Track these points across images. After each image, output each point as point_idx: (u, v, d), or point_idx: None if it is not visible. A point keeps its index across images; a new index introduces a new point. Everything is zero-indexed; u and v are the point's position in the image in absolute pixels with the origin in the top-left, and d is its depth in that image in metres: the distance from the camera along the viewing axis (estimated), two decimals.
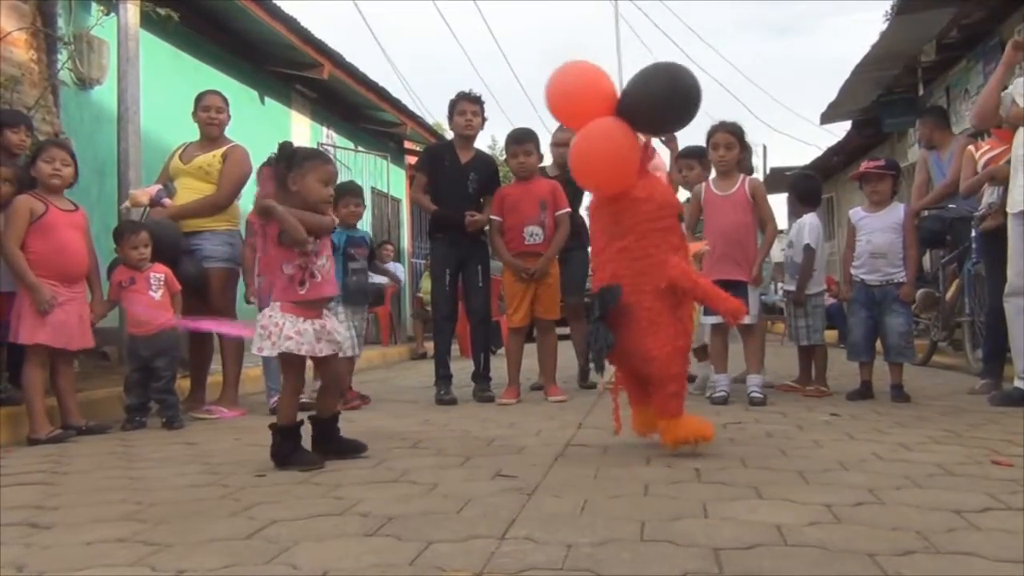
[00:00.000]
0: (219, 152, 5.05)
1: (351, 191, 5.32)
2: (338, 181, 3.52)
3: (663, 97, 3.07)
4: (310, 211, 3.13)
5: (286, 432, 3.10)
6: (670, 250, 3.10)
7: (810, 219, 5.38)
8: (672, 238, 3.15)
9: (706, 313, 4.97)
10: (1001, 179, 4.79)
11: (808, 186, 5.84)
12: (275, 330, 3.04)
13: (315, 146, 11.48)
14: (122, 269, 4.55)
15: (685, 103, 3.09)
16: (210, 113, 5.10)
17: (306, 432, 3.20)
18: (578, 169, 3.26)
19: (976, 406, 4.50)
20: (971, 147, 5.49)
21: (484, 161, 5.64)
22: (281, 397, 3.23)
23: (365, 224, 8.19)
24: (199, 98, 5.18)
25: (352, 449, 3.24)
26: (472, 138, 5.55)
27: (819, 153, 16.50)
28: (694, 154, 5.51)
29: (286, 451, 3.07)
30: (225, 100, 5.20)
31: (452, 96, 5.54)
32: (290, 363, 3.16)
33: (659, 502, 2.35)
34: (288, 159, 3.16)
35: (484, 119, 5.56)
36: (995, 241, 4.90)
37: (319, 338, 3.13)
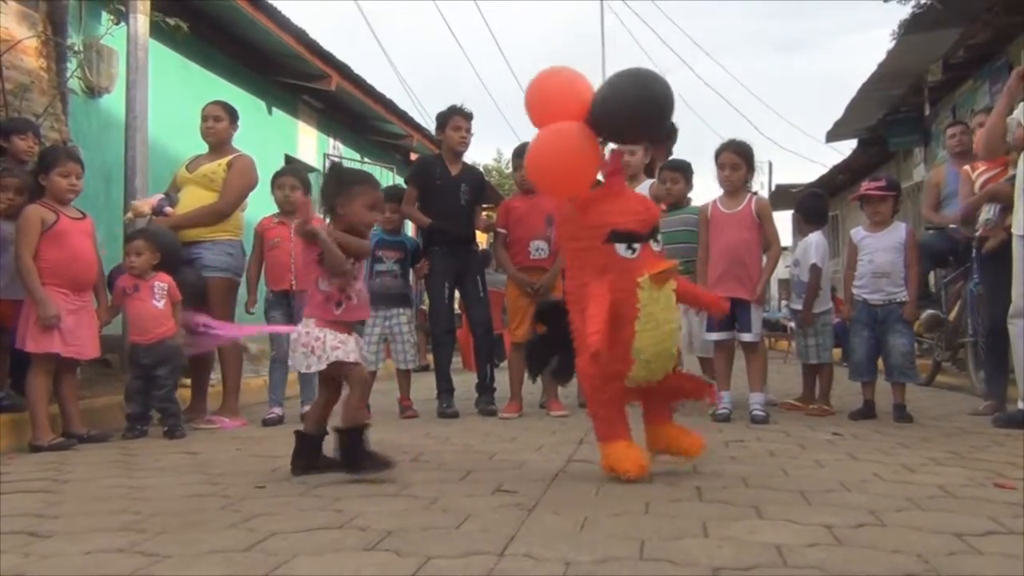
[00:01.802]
0: (224, 161, 5.08)
1: (386, 197, 5.42)
2: None
3: (633, 105, 2.97)
4: (353, 234, 3.12)
5: (315, 441, 3.08)
6: (593, 272, 2.96)
7: (816, 238, 5.39)
8: (594, 259, 2.97)
9: (708, 329, 4.97)
10: (1003, 198, 4.79)
11: (814, 205, 5.84)
12: (318, 345, 3.03)
13: (321, 157, 11.54)
14: (126, 276, 4.56)
15: (657, 111, 3.01)
16: (208, 123, 5.15)
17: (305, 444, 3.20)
18: (531, 170, 3.22)
19: (979, 427, 4.48)
20: (967, 167, 5.51)
21: (472, 173, 5.75)
22: (316, 407, 3.18)
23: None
24: (203, 109, 5.22)
25: (377, 465, 3.04)
26: (463, 153, 5.60)
27: (824, 171, 16.53)
28: (680, 168, 5.53)
29: (309, 460, 3.05)
30: (226, 109, 5.22)
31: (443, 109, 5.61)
32: (332, 375, 3.13)
33: (659, 520, 2.34)
34: (336, 181, 3.16)
35: (471, 135, 5.65)
36: (994, 261, 4.90)
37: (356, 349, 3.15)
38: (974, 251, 5.59)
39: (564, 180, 3.09)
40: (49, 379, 4.15)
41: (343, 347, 3.06)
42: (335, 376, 3.15)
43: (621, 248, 2.93)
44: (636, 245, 2.95)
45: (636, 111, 2.98)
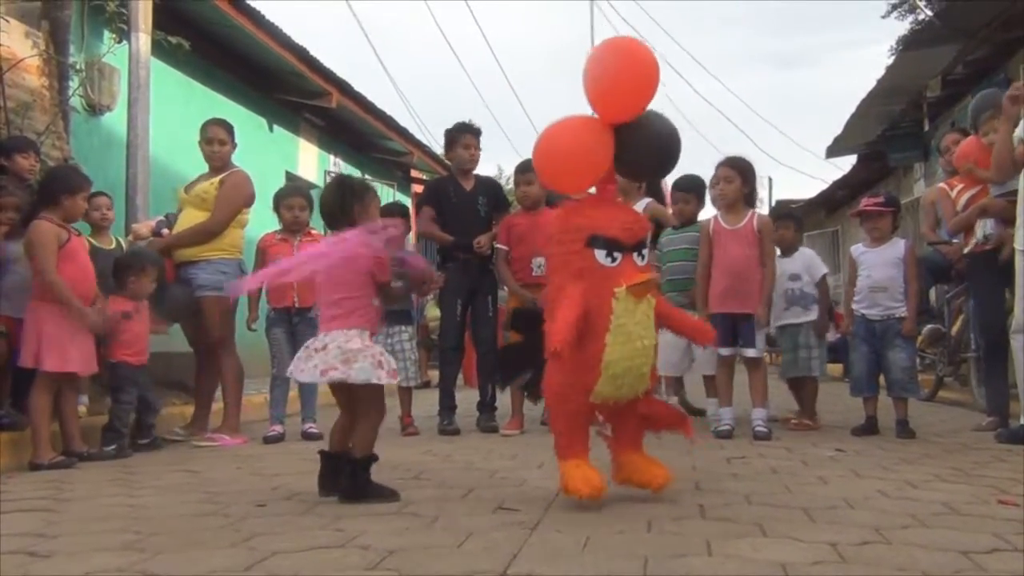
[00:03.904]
0: (217, 180, 5.05)
1: (387, 212, 5.40)
2: None
3: (650, 155, 3.02)
4: None
5: (366, 464, 3.03)
6: (569, 276, 2.89)
7: (810, 251, 5.48)
8: (573, 263, 2.91)
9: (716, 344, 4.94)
10: (994, 212, 4.79)
11: None
12: (385, 360, 3.04)
13: (322, 174, 11.57)
14: (123, 300, 4.53)
15: (666, 163, 3.10)
16: (212, 147, 5.13)
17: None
18: (538, 165, 3.12)
19: (982, 443, 4.47)
20: (943, 186, 5.52)
21: (488, 183, 5.76)
22: (368, 427, 3.12)
23: None
24: (203, 128, 5.19)
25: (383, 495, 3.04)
26: (473, 170, 5.61)
27: (824, 186, 16.55)
28: (691, 188, 5.52)
29: (364, 484, 3.00)
30: (229, 131, 5.20)
31: (450, 126, 5.63)
32: (380, 394, 3.14)
33: (662, 538, 2.33)
34: (351, 192, 3.20)
35: (480, 151, 5.65)
36: (988, 276, 4.90)
37: None
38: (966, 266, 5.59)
39: (567, 174, 3.03)
40: (52, 397, 4.13)
41: (393, 367, 3.10)
42: (381, 394, 3.15)
43: (600, 255, 2.81)
44: (617, 254, 2.82)
45: (650, 167, 3.22)
